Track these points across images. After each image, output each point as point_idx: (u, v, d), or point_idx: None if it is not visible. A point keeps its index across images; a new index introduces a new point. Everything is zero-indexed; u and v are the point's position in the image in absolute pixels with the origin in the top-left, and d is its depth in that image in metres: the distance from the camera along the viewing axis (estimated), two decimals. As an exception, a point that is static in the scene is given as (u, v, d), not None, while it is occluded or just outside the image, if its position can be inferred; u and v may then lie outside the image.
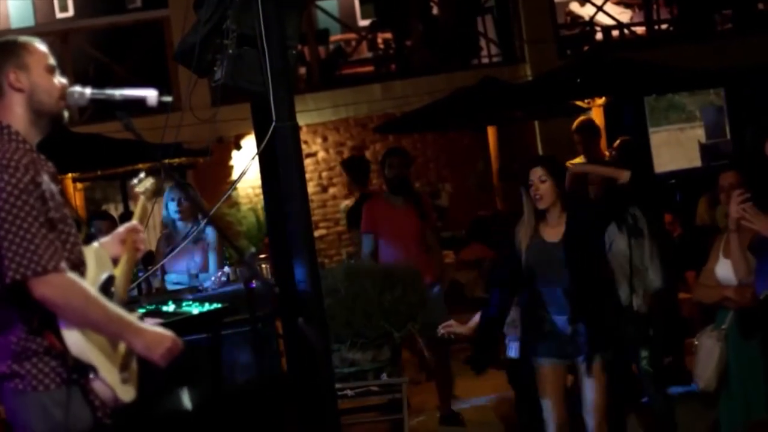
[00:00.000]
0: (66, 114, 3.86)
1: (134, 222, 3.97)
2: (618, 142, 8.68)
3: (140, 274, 6.83)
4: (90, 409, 3.64)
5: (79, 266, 3.68)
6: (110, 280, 3.74)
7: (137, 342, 3.63)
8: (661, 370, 6.97)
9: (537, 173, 6.11)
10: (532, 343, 6.20)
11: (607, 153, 9.22)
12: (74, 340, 3.56)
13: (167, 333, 3.70)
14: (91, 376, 3.60)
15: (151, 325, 3.73)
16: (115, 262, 3.89)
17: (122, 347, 3.73)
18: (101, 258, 3.79)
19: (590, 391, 6.09)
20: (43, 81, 3.76)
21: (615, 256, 6.78)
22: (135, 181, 4.06)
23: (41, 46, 3.81)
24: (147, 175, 4.06)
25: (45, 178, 3.62)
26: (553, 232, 6.14)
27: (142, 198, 4.05)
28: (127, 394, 3.72)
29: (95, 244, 3.82)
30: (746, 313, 5.70)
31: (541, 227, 6.16)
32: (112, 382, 3.65)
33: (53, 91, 3.78)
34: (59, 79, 3.82)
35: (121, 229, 3.95)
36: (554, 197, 6.12)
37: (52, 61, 3.81)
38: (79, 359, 3.57)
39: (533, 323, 6.17)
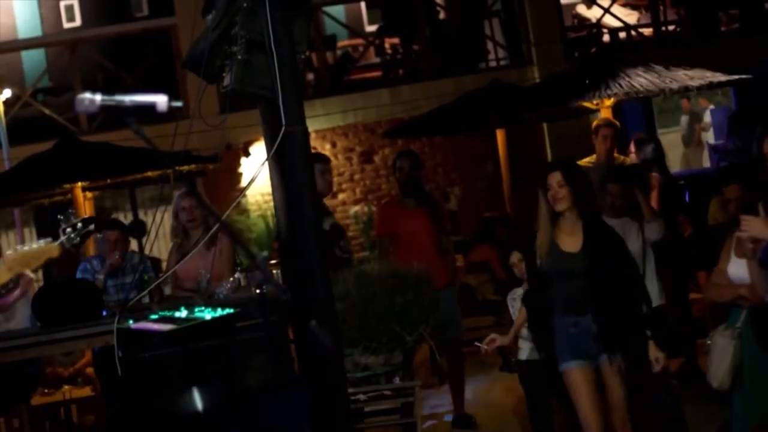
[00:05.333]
0: None
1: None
2: (633, 139, 8.68)
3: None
4: None
5: None
6: None
7: None
8: (668, 370, 6.96)
9: (556, 178, 6.15)
10: (554, 348, 6.18)
11: (618, 156, 9.18)
12: None
13: None
14: None
15: None
16: None
17: None
18: None
19: (611, 390, 6.10)
20: None
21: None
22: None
23: None
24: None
25: None
26: (570, 240, 6.15)
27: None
28: None
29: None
30: (760, 312, 5.68)
31: (557, 233, 6.18)
32: None
33: None
34: None
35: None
36: (571, 202, 6.15)
37: None
38: None
39: (556, 327, 6.17)
